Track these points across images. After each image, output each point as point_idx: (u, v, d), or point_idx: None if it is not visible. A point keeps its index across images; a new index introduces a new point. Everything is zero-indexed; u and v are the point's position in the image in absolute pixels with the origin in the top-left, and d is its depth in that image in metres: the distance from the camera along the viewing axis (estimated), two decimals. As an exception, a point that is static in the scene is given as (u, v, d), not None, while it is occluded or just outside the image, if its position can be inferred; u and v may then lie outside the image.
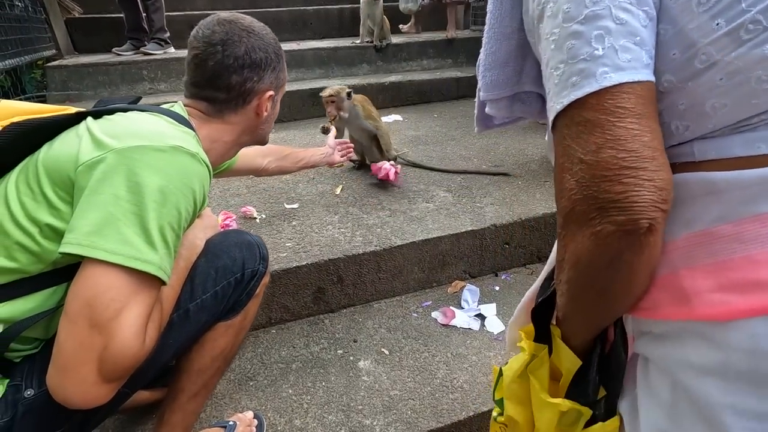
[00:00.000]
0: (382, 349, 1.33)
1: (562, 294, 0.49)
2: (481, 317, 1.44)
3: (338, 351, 1.33)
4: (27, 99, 2.80)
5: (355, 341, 1.37)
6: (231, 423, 1.04)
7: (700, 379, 0.40)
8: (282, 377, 1.24)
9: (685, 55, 0.40)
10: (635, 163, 0.36)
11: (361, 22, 3.61)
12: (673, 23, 0.40)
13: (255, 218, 1.69)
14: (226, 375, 1.25)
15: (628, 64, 0.38)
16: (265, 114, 0.92)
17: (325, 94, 1.87)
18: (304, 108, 3.09)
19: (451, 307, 1.47)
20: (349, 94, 1.87)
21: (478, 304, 1.50)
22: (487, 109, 0.59)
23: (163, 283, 0.66)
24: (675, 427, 0.42)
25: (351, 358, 1.31)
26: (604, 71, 0.38)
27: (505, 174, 2.02)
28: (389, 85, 3.27)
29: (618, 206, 0.37)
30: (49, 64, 2.98)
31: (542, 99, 0.55)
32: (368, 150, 2.04)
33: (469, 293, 1.53)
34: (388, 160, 1.94)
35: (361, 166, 2.14)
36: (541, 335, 0.54)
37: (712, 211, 0.40)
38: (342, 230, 1.58)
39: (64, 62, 3.06)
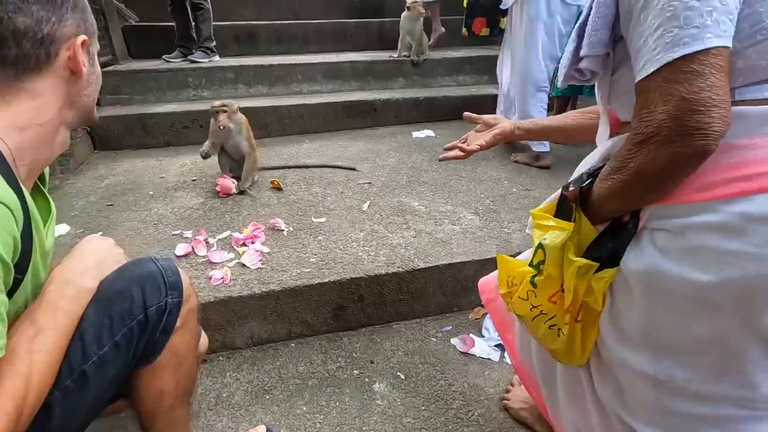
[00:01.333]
0: (398, 373, 1.33)
1: (608, 188, 0.67)
2: (501, 348, 1.41)
3: (354, 371, 1.34)
4: (82, 101, 2.99)
5: (372, 362, 1.37)
6: None
7: (701, 233, 0.60)
8: (298, 393, 1.26)
9: (752, 29, 0.58)
10: (721, 103, 0.53)
11: (401, 36, 3.64)
12: (750, 6, 0.58)
13: (282, 230, 1.72)
14: (243, 386, 1.28)
15: (724, 33, 0.54)
16: (84, 70, 0.68)
17: (217, 103, 2.02)
18: (338, 120, 3.14)
19: (471, 335, 1.45)
20: (236, 110, 2.05)
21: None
22: (584, 64, 0.73)
23: None
24: (669, 259, 0.63)
25: (366, 379, 1.31)
26: (709, 37, 0.54)
27: (352, 169, 2.30)
28: (424, 100, 3.28)
29: (702, 133, 0.53)
30: (105, 69, 3.17)
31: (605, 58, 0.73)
32: (235, 167, 2.17)
33: (491, 322, 1.50)
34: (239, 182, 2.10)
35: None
36: (560, 213, 0.75)
37: (736, 131, 0.57)
38: (366, 249, 1.59)
39: (118, 68, 3.25)
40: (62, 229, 1.78)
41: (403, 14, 3.54)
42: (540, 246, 0.76)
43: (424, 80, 3.68)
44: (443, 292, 1.55)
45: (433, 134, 3.02)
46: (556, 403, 0.92)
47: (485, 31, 3.87)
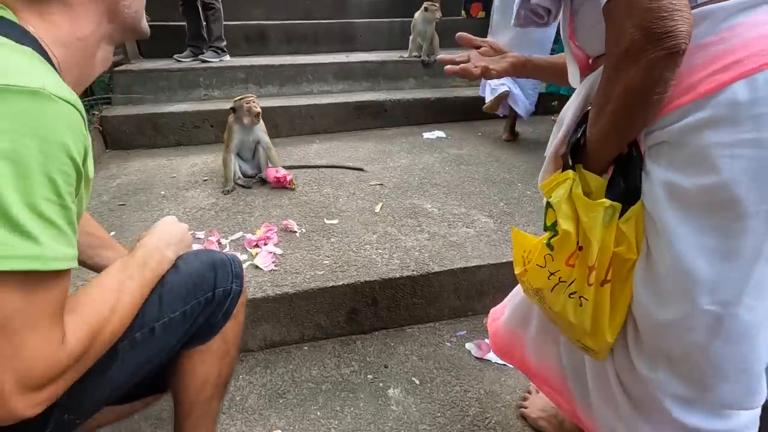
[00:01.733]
0: (413, 378, 1.31)
1: (600, 129, 0.68)
2: (517, 354, 1.39)
3: (368, 375, 1.32)
4: (95, 101, 3.01)
5: (385, 367, 1.35)
6: None
7: (696, 134, 0.62)
8: (311, 398, 1.24)
9: None
10: (681, 7, 0.56)
11: (412, 37, 3.62)
12: None
13: (295, 232, 1.71)
14: (256, 389, 1.27)
15: None
16: None
17: (239, 98, 2.11)
18: (349, 120, 3.13)
19: (486, 340, 1.43)
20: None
21: (515, 339, 1.44)
22: (535, 0, 0.80)
23: (66, 270, 0.55)
24: (677, 172, 0.64)
25: (381, 384, 1.29)
26: None
27: (360, 169, 2.31)
28: (434, 100, 3.26)
29: (670, 35, 0.56)
30: (116, 68, 3.19)
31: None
32: (260, 162, 2.23)
33: (506, 327, 1.48)
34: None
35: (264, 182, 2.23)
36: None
37: (704, 30, 0.61)
38: (380, 251, 1.57)
39: (130, 67, 3.26)
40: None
41: (417, 14, 3.52)
42: (549, 205, 0.76)
43: (435, 81, 3.66)
44: (458, 296, 1.53)
45: (444, 135, 3.00)
46: (587, 400, 0.87)
47: (481, 14, 4.55)
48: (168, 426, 1.14)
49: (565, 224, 0.72)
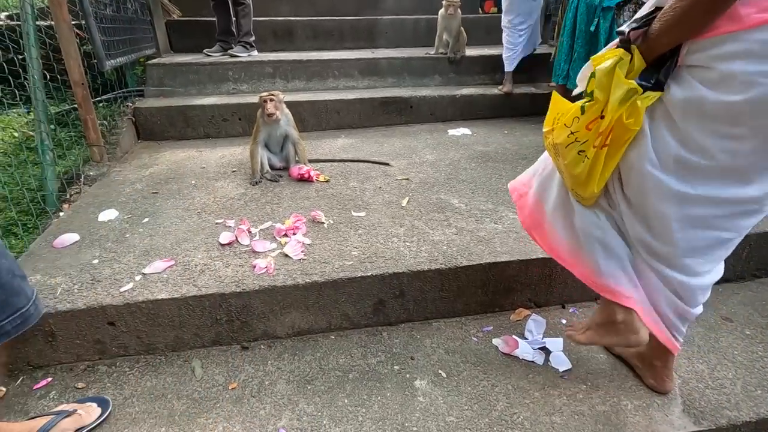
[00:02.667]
0: (440, 371, 1.30)
1: (668, 20, 0.79)
2: (545, 351, 1.37)
3: (395, 366, 1.32)
4: (128, 93, 3.09)
5: (412, 358, 1.35)
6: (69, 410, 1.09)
7: (728, 62, 0.75)
8: (339, 386, 1.25)
9: None
10: None
11: (438, 33, 3.61)
12: None
13: (323, 223, 1.73)
14: (285, 375, 1.29)
15: None
16: None
17: (264, 93, 2.10)
18: (374, 116, 3.14)
19: (513, 336, 1.42)
20: (282, 99, 2.15)
21: (543, 336, 1.43)
22: None
23: None
24: (705, 87, 0.80)
25: (407, 375, 1.29)
26: None
27: (386, 164, 2.32)
28: (460, 97, 3.24)
29: None
30: (149, 62, 3.27)
31: None
32: (289, 156, 2.26)
33: (534, 324, 1.46)
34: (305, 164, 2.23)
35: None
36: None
37: None
38: (407, 244, 1.58)
39: (162, 60, 3.34)
40: (111, 214, 1.83)
41: (440, 11, 3.52)
42: (593, 75, 0.89)
43: (461, 78, 3.64)
44: (485, 291, 1.51)
45: (470, 132, 2.97)
46: (595, 262, 1.06)
47: (494, 10, 4.95)
48: None
49: (600, 94, 0.88)
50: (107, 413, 1.15)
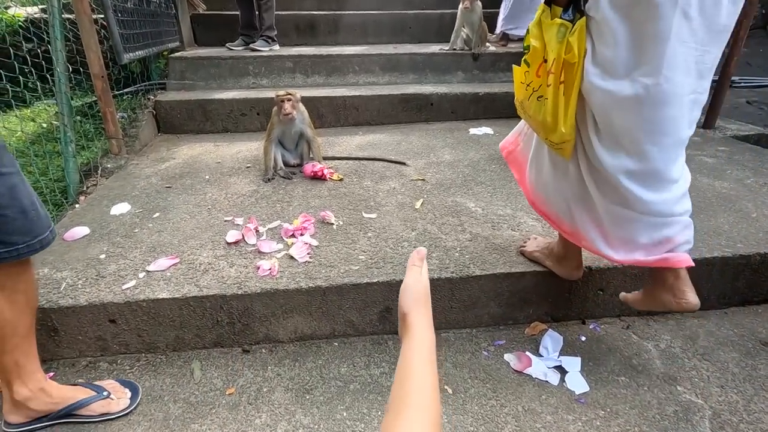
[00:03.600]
0: (446, 386, 1.23)
1: None
2: (561, 370, 1.28)
3: (399, 379, 1.26)
4: (150, 86, 3.12)
5: (417, 371, 1.28)
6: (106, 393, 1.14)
7: None
8: (338, 397, 1.20)
9: None
10: None
11: (455, 28, 3.49)
12: None
13: (332, 224, 1.67)
14: (284, 382, 1.24)
15: None
16: None
17: (281, 92, 2.05)
18: (394, 113, 3.07)
19: (527, 353, 1.33)
20: (299, 98, 2.11)
21: (560, 354, 1.33)
22: None
23: None
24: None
25: (411, 389, 1.22)
26: None
27: (402, 163, 2.26)
28: (484, 95, 3.12)
29: None
30: (172, 55, 3.29)
31: None
32: (303, 153, 2.24)
33: (550, 340, 1.37)
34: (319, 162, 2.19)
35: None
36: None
37: None
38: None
39: (184, 54, 3.36)
40: (123, 207, 1.83)
41: (459, 6, 3.43)
42: (527, 32, 1.07)
43: (485, 75, 3.52)
44: (498, 303, 1.43)
45: (492, 132, 2.86)
46: (571, 214, 1.21)
47: None
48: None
49: (534, 41, 1.04)
50: (134, 406, 1.17)
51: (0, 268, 0.94)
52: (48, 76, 2.13)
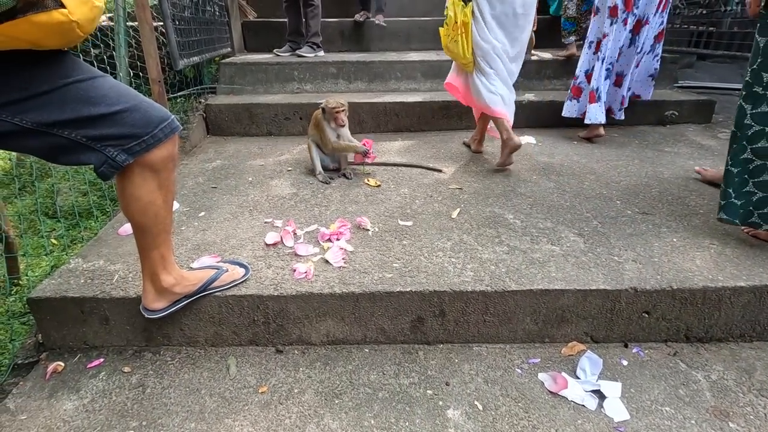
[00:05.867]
0: (476, 402, 1.21)
1: None
2: (599, 395, 1.22)
3: (428, 391, 1.25)
4: (202, 90, 3.28)
5: (447, 384, 1.27)
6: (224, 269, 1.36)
7: None
8: (367, 404, 1.20)
9: None
10: None
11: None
12: None
13: (368, 230, 1.69)
14: (314, 385, 1.26)
15: None
16: None
17: (333, 103, 2.10)
18: (434, 120, 3.05)
19: (563, 374, 1.28)
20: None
21: (598, 378, 1.27)
22: None
23: None
24: None
25: (440, 402, 1.21)
26: None
27: (438, 170, 2.31)
28: (527, 103, 3.05)
29: None
30: (223, 60, 3.45)
31: None
32: (343, 158, 2.29)
33: (589, 362, 1.31)
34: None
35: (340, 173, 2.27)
36: None
37: None
38: (453, 260, 1.49)
39: (234, 60, 3.51)
40: (173, 206, 1.93)
41: None
42: (446, 8, 2.17)
43: (529, 82, 3.43)
44: (534, 319, 1.39)
45: (534, 141, 2.79)
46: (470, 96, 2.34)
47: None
48: (229, 406, 1.18)
49: (450, 11, 2.12)
50: (249, 275, 1.40)
51: (143, 162, 1.04)
52: (111, 80, 2.29)
